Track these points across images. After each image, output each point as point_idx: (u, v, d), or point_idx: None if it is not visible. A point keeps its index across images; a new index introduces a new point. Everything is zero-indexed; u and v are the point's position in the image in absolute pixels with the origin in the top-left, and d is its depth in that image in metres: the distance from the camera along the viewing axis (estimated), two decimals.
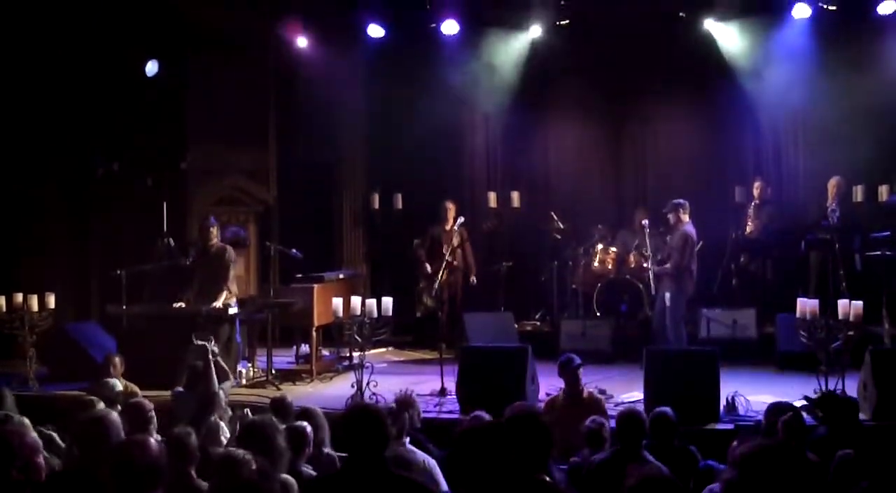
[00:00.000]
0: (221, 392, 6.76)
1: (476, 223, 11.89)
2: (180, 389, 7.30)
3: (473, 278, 11.49)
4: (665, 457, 5.31)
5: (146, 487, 3.40)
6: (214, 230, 9.67)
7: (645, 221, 10.43)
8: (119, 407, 5.95)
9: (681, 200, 10.09)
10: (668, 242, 10.22)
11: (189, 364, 7.41)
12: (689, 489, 4.80)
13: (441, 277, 10.55)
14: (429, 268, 11.00)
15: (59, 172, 11.71)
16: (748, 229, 11.06)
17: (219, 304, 9.24)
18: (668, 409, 5.85)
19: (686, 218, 10.02)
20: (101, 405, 5.96)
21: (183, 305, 9.35)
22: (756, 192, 11.10)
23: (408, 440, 5.50)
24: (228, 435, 5.79)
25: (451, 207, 11.36)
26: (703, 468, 5.20)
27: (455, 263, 11.16)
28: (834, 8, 10.81)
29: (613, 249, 11.39)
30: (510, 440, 3.65)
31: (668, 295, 9.80)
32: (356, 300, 8.67)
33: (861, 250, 10.19)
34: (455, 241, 11.06)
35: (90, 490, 3.20)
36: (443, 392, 8.53)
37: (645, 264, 10.42)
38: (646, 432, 5.64)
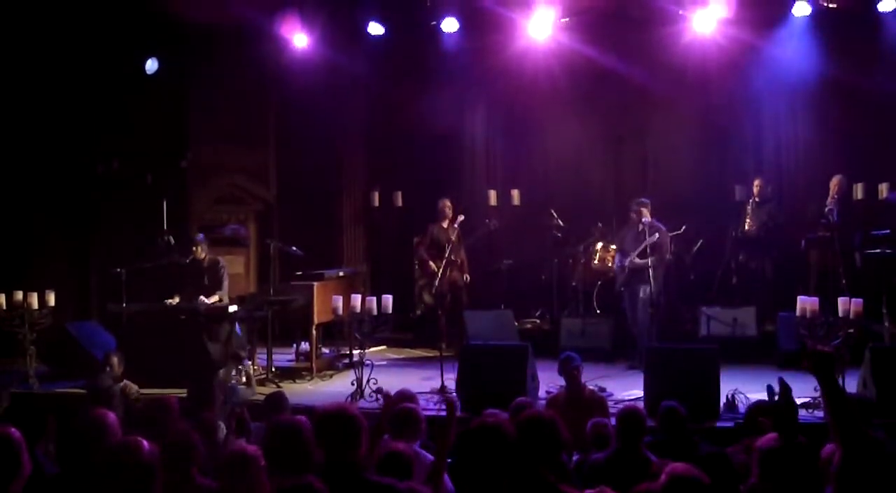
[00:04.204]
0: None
1: (476, 221, 11.84)
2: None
3: (467, 276, 11.48)
4: (675, 451, 5.32)
5: (138, 490, 3.26)
6: (202, 246, 9.71)
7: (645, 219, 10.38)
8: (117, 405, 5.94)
9: (644, 199, 10.14)
10: (646, 238, 10.01)
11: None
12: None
13: (446, 274, 10.54)
14: (433, 266, 10.95)
15: (59, 170, 11.71)
16: (748, 227, 11.04)
17: (213, 299, 9.36)
18: (674, 403, 5.87)
19: (649, 215, 10.00)
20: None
21: (174, 302, 9.41)
22: (756, 190, 11.07)
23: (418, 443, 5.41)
24: (224, 432, 5.78)
25: (448, 205, 11.34)
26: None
27: (457, 260, 11.15)
28: (834, 6, 10.79)
29: (613, 246, 11.36)
30: (518, 442, 3.48)
31: (646, 288, 9.74)
32: (356, 298, 8.70)
33: (861, 247, 10.19)
34: (454, 238, 11.05)
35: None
36: (443, 390, 8.53)
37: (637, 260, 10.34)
38: (646, 429, 5.64)
